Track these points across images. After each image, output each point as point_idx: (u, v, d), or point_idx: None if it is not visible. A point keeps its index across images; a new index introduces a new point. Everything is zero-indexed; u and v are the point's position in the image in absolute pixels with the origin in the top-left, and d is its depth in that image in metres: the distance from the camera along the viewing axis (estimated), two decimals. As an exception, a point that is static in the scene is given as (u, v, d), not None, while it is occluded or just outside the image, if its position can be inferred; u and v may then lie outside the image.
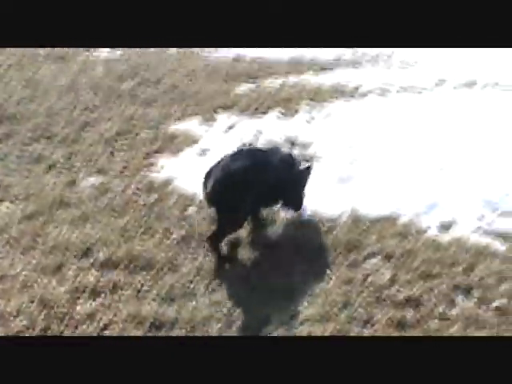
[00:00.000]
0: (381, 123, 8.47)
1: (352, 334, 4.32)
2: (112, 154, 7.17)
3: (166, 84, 10.20)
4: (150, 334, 4.25)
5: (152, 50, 13.09)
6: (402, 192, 6.40)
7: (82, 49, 12.27)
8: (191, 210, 5.88)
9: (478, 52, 13.50)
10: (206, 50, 13.13)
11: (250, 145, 6.70)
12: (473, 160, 7.37)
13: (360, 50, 13.68)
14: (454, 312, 4.62)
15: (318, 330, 4.27)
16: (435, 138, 8.18)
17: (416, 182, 6.71)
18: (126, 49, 13.01)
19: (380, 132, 8.11)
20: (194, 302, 4.54)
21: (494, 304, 4.72)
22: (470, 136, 8.36)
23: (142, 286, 4.72)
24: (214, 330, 4.28)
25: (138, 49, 13.07)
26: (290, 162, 5.89)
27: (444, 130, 8.60)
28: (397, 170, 6.97)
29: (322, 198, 6.16)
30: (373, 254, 5.28)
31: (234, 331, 4.29)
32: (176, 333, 4.23)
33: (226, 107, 8.94)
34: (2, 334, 4.23)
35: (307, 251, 5.34)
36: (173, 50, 13.16)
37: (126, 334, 4.21)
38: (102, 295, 4.65)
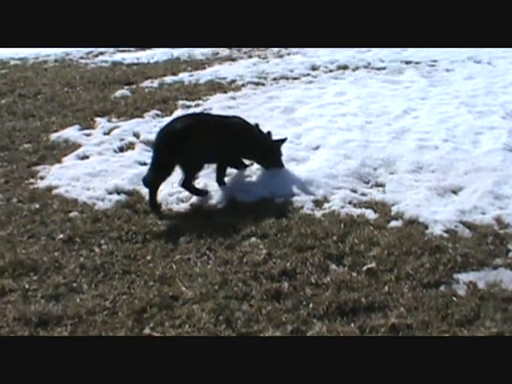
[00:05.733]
0: (257, 112, 8.79)
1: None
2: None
3: (44, 96, 10.25)
4: (39, 333, 4.32)
5: (30, 63, 13.11)
6: (277, 175, 6.69)
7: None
8: (73, 213, 5.98)
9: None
10: (84, 59, 13.29)
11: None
12: (342, 137, 7.77)
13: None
14: (327, 279, 4.84)
15: (197, 309, 4.47)
16: (309, 119, 8.58)
17: (290, 162, 7.03)
18: (6, 64, 13.01)
19: (256, 121, 8.41)
20: (78, 298, 4.67)
21: (365, 268, 4.98)
22: (343, 114, 8.80)
23: (29, 288, 4.79)
24: (99, 320, 4.42)
25: (17, 63, 13.08)
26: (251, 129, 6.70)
27: (317, 109, 9.02)
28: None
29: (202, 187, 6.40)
30: (249, 235, 5.50)
31: (117, 320, 4.44)
32: (62, 328, 4.35)
33: (105, 113, 9.09)
34: None
35: (187, 236, 5.53)
36: (51, 62, 13.22)
37: (13, 335, 4.28)
38: (-11, 302, 4.67)
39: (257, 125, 6.76)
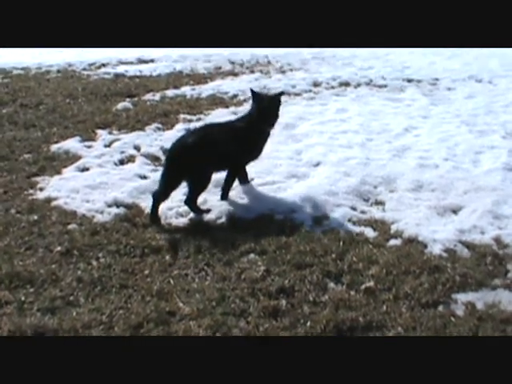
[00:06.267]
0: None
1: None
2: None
3: (46, 106, 10.27)
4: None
5: (33, 73, 13.13)
6: (276, 191, 6.68)
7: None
8: (72, 225, 5.96)
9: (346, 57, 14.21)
10: (86, 70, 13.32)
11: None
12: (342, 154, 7.78)
13: (237, 61, 14.14)
14: (325, 297, 4.81)
15: (194, 326, 4.44)
16: (310, 135, 8.59)
17: (290, 179, 7.03)
18: (8, 73, 13.04)
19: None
20: (75, 312, 4.64)
21: (363, 286, 4.96)
22: (344, 131, 8.81)
23: (25, 300, 4.75)
24: (95, 335, 4.38)
25: (20, 73, 13.09)
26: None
27: (318, 126, 9.03)
28: (271, 170, 7.28)
29: (200, 203, 6.36)
30: (248, 251, 5.48)
31: (113, 335, 4.40)
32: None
33: (106, 125, 9.11)
34: None
35: (185, 251, 5.52)
36: (53, 73, 13.25)
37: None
38: (-15, 314, 4.64)
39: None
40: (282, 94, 6.81)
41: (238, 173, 6.61)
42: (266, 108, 6.55)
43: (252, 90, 6.71)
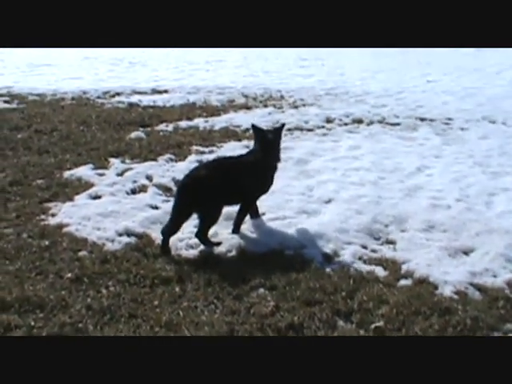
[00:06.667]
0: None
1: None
2: (5, 203, 7.21)
3: (60, 133, 10.33)
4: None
5: (48, 99, 13.22)
6: (287, 227, 6.66)
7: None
8: (82, 252, 5.97)
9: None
10: (101, 98, 13.40)
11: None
12: (354, 191, 7.78)
13: (251, 94, 14.20)
14: (334, 335, 4.78)
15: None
16: (322, 171, 8.59)
17: (301, 215, 7.03)
18: (24, 99, 13.13)
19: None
20: (83, 339, 4.63)
21: (373, 326, 4.91)
22: (356, 168, 8.81)
23: (34, 325, 4.75)
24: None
25: (35, 99, 13.17)
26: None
27: (330, 162, 9.04)
28: (283, 205, 7.27)
29: (211, 235, 6.34)
30: (257, 286, 5.46)
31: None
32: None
33: (119, 153, 9.15)
34: None
35: (195, 283, 5.51)
36: (68, 100, 13.35)
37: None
38: (-6, 337, 4.62)
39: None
40: (283, 126, 7.01)
41: (250, 207, 6.61)
42: (268, 144, 6.65)
43: (254, 126, 6.86)
